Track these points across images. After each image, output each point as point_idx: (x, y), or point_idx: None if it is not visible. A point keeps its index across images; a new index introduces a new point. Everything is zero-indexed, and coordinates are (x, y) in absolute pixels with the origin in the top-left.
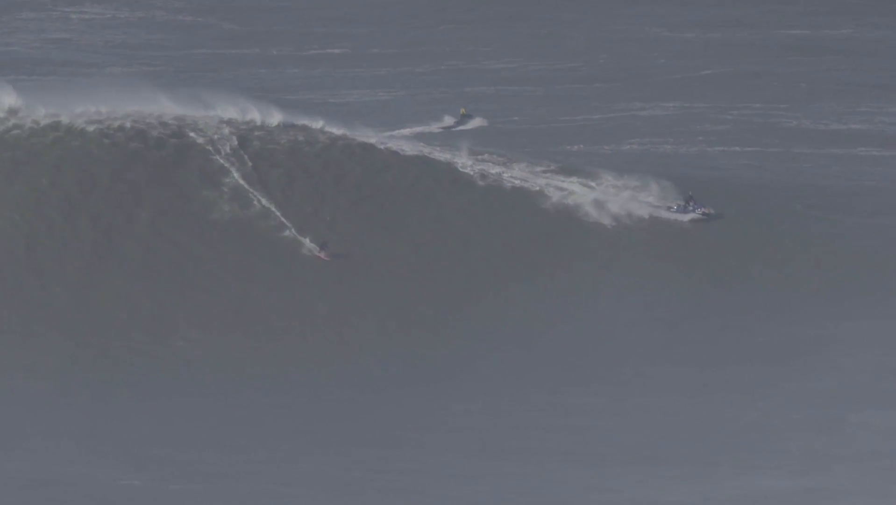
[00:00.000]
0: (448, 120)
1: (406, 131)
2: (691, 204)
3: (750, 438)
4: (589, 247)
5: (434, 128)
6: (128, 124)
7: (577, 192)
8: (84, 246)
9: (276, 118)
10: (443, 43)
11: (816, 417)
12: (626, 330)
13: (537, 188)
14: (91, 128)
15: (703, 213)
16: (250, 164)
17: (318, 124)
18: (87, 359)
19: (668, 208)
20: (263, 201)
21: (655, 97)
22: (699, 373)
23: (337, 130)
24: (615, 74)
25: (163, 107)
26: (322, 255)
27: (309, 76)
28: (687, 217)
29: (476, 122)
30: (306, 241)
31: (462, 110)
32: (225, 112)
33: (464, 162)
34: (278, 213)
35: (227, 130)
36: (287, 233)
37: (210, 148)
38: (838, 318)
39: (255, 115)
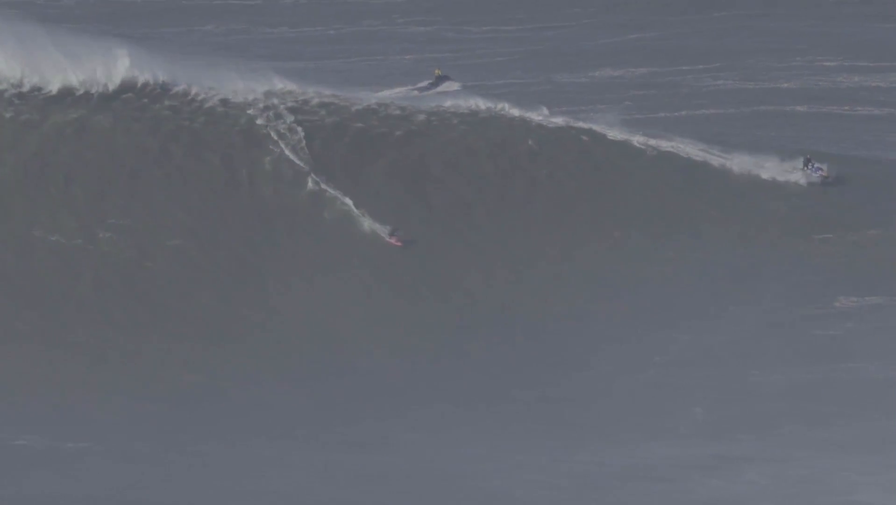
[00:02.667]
0: (422, 82)
1: (381, 95)
2: (809, 166)
3: (647, 399)
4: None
5: (407, 90)
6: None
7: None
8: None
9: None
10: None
11: (716, 375)
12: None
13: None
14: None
15: (821, 176)
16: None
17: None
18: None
19: (786, 170)
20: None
21: (580, 63)
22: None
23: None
24: (538, 39)
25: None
26: (393, 240)
27: (230, 33)
28: (804, 179)
29: (452, 85)
30: (373, 223)
31: (437, 71)
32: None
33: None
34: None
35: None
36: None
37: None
38: (747, 270)
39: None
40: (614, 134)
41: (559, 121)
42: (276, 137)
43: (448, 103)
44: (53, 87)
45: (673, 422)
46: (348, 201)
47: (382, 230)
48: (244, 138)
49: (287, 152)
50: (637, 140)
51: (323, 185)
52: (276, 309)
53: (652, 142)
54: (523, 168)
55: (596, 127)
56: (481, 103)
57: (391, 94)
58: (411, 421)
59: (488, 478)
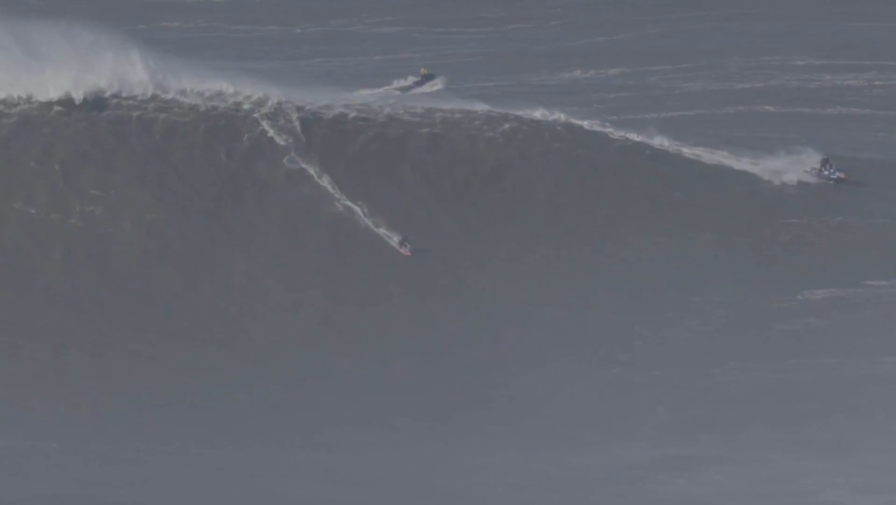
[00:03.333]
0: (408, 80)
1: (364, 93)
2: (826, 167)
3: (611, 398)
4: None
5: (392, 88)
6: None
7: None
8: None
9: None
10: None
11: (680, 373)
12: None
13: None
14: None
15: (838, 178)
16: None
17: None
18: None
19: (805, 171)
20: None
21: (549, 65)
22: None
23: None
24: (506, 40)
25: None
26: (403, 250)
27: (195, 31)
28: (821, 180)
29: (437, 84)
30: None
31: (423, 70)
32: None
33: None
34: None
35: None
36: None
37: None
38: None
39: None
40: (590, 125)
41: (537, 114)
42: (258, 118)
43: (429, 105)
44: (52, 93)
45: (637, 422)
46: (325, 181)
47: (392, 239)
48: (226, 118)
49: (269, 130)
50: (609, 131)
51: (302, 164)
52: (246, 297)
53: (631, 135)
54: (497, 151)
55: (573, 119)
56: (464, 104)
57: (375, 93)
58: (374, 421)
59: (451, 478)
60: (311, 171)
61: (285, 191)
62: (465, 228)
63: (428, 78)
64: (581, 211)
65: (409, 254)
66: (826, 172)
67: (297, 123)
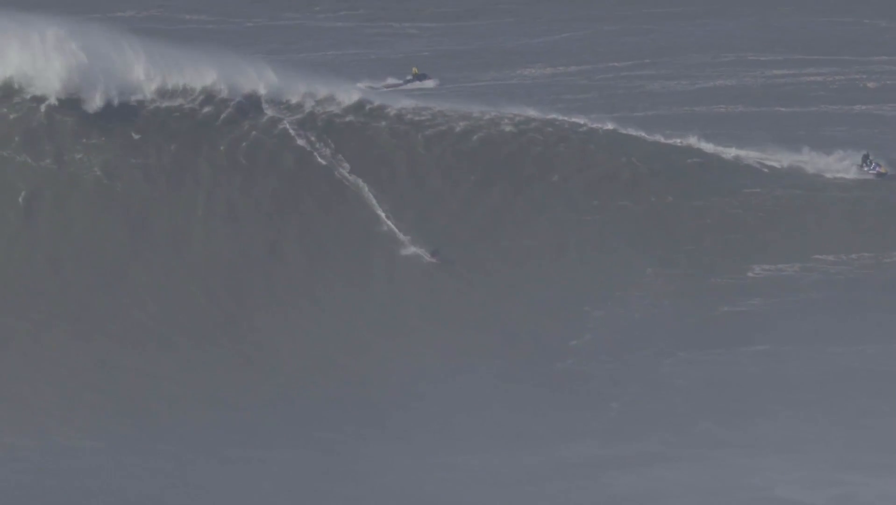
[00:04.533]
0: (394, 79)
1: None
2: (866, 162)
3: (562, 392)
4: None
5: (378, 86)
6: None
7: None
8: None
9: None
10: None
11: (629, 365)
12: None
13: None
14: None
15: (878, 173)
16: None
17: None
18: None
19: (856, 166)
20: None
21: (507, 62)
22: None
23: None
24: (461, 37)
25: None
26: (434, 259)
27: (149, 20)
28: (862, 176)
29: (428, 83)
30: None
31: (414, 69)
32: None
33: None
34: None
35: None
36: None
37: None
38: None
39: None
40: (563, 117)
41: (513, 110)
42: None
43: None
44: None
45: (589, 417)
46: (301, 142)
47: (423, 251)
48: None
49: (262, 100)
50: (584, 122)
51: (287, 124)
52: (199, 257)
53: (607, 127)
54: (469, 121)
55: (545, 116)
56: (441, 102)
57: (359, 89)
58: (320, 421)
59: (400, 476)
60: (291, 131)
61: (260, 144)
62: (419, 182)
63: (419, 77)
64: (535, 170)
65: (437, 260)
66: (866, 168)
67: (294, 100)
